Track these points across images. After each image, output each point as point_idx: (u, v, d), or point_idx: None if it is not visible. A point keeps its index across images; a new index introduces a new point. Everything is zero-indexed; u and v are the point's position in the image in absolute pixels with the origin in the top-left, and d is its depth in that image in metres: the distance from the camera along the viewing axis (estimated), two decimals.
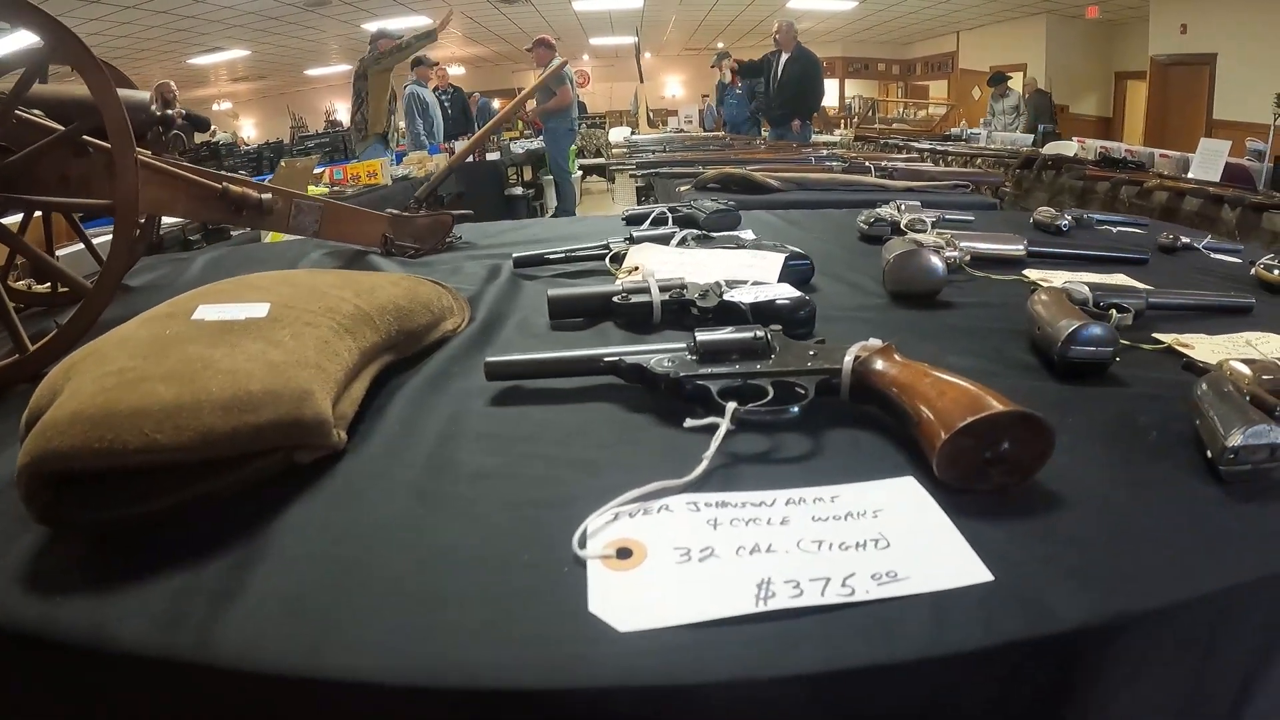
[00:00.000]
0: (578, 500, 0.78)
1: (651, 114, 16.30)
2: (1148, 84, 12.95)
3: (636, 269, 1.46)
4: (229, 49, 15.00)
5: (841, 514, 0.76)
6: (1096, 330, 1.06)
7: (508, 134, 13.82)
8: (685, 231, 1.63)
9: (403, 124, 8.38)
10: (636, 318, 1.28)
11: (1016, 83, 15.09)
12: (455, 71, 19.86)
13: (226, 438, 0.77)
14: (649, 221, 2.02)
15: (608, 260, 1.58)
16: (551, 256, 1.65)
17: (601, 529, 0.74)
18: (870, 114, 16.42)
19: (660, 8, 15.43)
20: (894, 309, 1.40)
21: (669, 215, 2.04)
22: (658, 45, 20.42)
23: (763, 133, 10.55)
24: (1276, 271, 1.62)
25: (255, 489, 0.82)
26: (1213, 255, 1.98)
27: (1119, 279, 1.60)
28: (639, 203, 4.73)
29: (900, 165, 3.48)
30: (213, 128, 9.61)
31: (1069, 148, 7.79)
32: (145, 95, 1.54)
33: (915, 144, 8.30)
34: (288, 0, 11.89)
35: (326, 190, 4.92)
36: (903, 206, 2.04)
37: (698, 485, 0.80)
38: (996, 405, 0.79)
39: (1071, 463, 0.85)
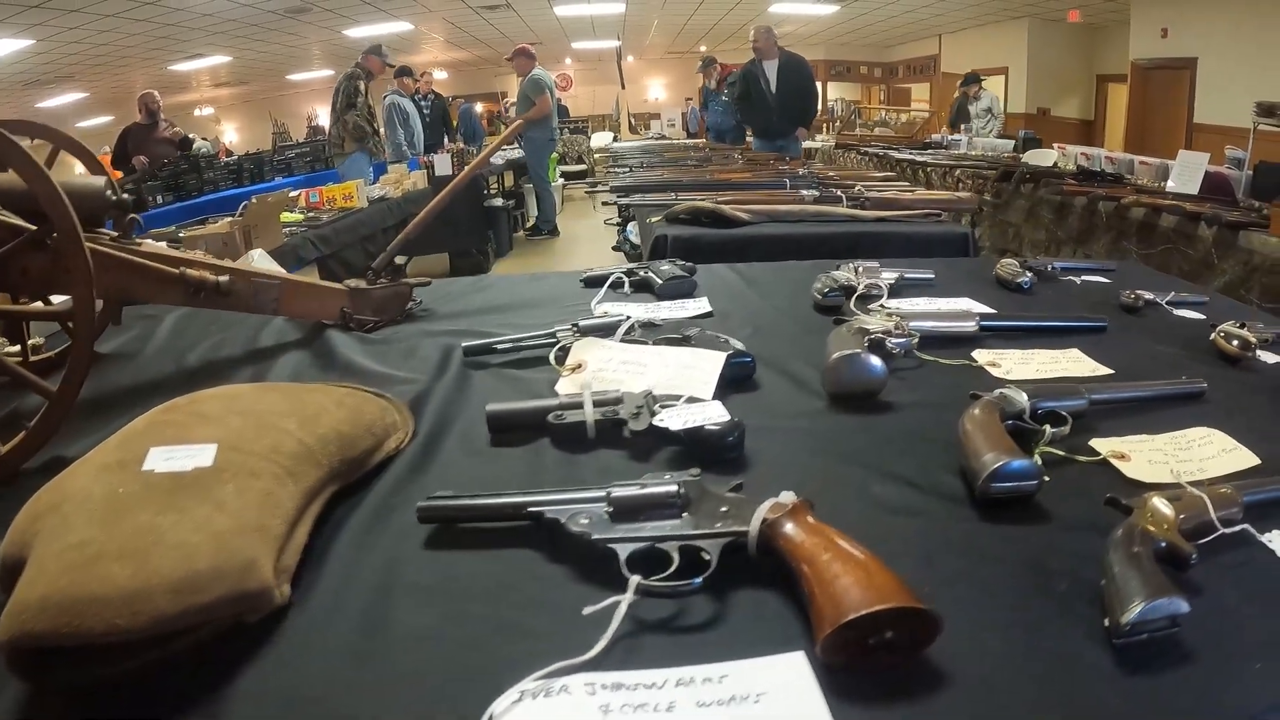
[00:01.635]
0: (494, 669, 0.79)
1: (633, 119, 16.30)
2: (1129, 88, 13.01)
3: (580, 366, 1.46)
4: (210, 55, 14.98)
5: (726, 697, 0.76)
6: (1018, 466, 1.04)
7: (490, 139, 13.83)
8: (633, 319, 1.60)
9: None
10: (572, 435, 1.28)
11: (997, 85, 15.35)
12: (438, 76, 19.89)
13: (177, 617, 0.83)
14: (606, 285, 2.01)
15: (552, 357, 1.55)
16: (500, 346, 1.63)
17: (507, 710, 0.74)
18: (853, 118, 16.43)
19: (643, 12, 15.44)
20: (832, 413, 1.38)
21: (625, 280, 2.03)
22: (640, 49, 20.46)
23: (747, 139, 10.58)
24: (1235, 343, 1.61)
25: (211, 646, 0.86)
26: (1175, 313, 1.97)
27: (1072, 356, 1.59)
28: (619, 214, 4.75)
29: (872, 195, 3.45)
30: (193, 138, 9.59)
31: (1048, 156, 7.78)
32: (100, 181, 1.51)
33: (895, 153, 8.27)
34: (268, 8, 11.84)
35: (302, 216, 4.84)
36: (860, 269, 2.01)
37: (599, 659, 0.80)
38: (884, 598, 0.78)
39: (967, 628, 0.84)
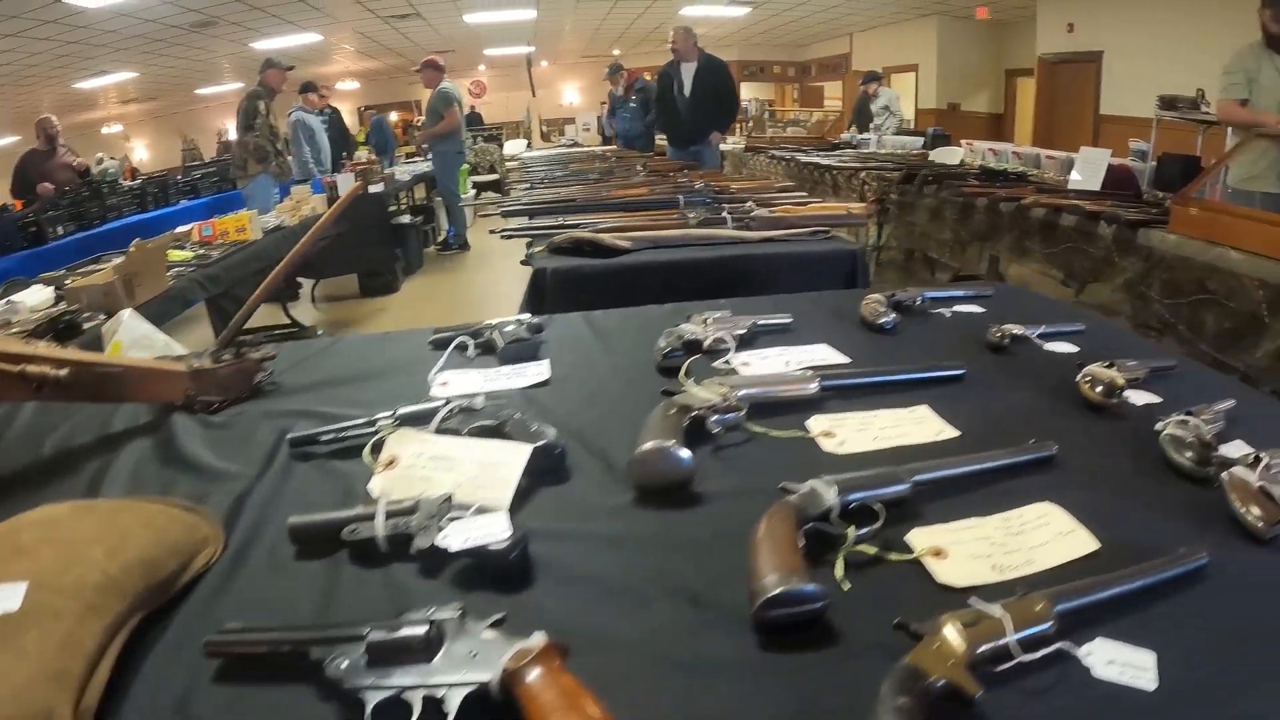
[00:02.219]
0: None
1: (546, 126, 16.20)
2: (1036, 82, 13.26)
3: (392, 462, 1.37)
4: (116, 72, 14.57)
5: None
6: (798, 592, 0.94)
7: (402, 149, 13.69)
8: (454, 403, 1.49)
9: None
10: (367, 550, 1.20)
11: (909, 82, 15.58)
12: (349, 86, 19.67)
13: None
14: (448, 351, 1.91)
15: (366, 453, 1.44)
16: (324, 439, 1.53)
17: None
18: (764, 117, 16.50)
19: (555, 17, 15.29)
20: (636, 510, 1.27)
21: (469, 342, 1.94)
22: (554, 53, 20.35)
23: (659, 141, 10.49)
24: (1099, 389, 1.53)
25: None
26: (1046, 347, 1.89)
27: (919, 415, 1.50)
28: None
29: (760, 213, 3.36)
30: (100, 157, 9.26)
31: (955, 154, 7.80)
32: None
33: (801, 155, 8.18)
34: (171, 23, 11.51)
35: (192, 255, 4.57)
36: (709, 320, 1.91)
37: None
38: None
39: None
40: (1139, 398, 1.58)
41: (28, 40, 10.92)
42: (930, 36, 15.31)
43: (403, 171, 10.26)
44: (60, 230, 6.80)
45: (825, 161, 7.56)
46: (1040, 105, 13.21)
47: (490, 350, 1.93)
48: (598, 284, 2.92)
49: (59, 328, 3.02)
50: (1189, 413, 1.38)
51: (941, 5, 14.25)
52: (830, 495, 1.11)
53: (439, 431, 1.44)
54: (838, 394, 1.60)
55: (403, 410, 1.50)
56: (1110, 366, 1.58)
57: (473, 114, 19.87)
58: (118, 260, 3.74)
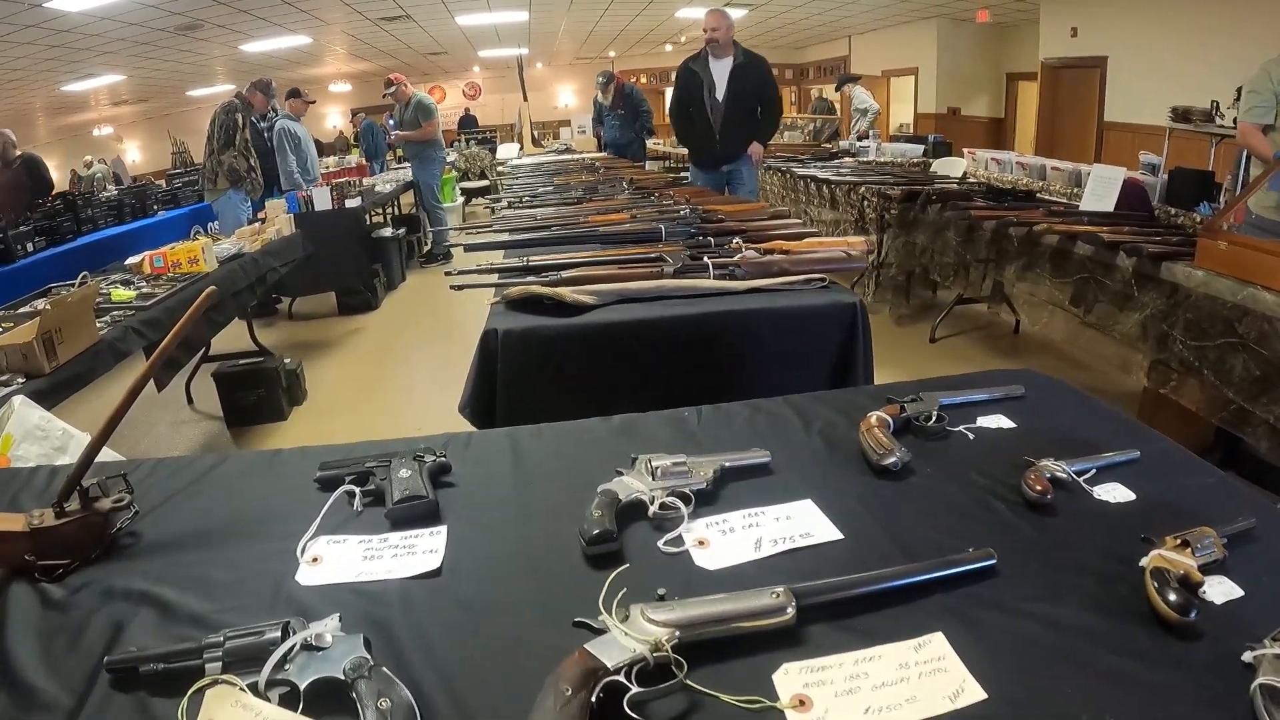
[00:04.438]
0: None
1: (538, 132, 15.91)
2: (1039, 87, 13.06)
3: None
4: (103, 74, 14.38)
5: None
6: None
7: (394, 153, 13.40)
8: (296, 639, 1.04)
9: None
10: None
11: (908, 85, 15.47)
12: (340, 89, 19.38)
13: None
14: (331, 500, 1.47)
15: (182, 712, 0.99)
16: (144, 669, 1.08)
17: None
18: None
19: (548, 19, 15.04)
20: None
21: (355, 492, 1.51)
22: (549, 55, 20.10)
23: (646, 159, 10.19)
24: (1173, 598, 1.06)
25: None
26: (1097, 495, 1.44)
27: (931, 659, 1.03)
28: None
29: (749, 254, 2.93)
30: (89, 160, 8.93)
31: (957, 165, 7.46)
32: None
33: (797, 168, 7.76)
34: (157, 26, 11.24)
35: (134, 294, 4.08)
36: (659, 470, 1.44)
37: None
38: None
39: None
40: (1218, 590, 1.15)
41: (9, 45, 10.74)
42: (930, 39, 15.17)
43: (385, 181, 9.88)
44: (30, 247, 6.38)
45: (822, 175, 7.14)
46: (1043, 111, 13.00)
47: (380, 501, 1.49)
48: (556, 348, 2.55)
49: None
50: None
51: (941, 7, 14.05)
52: None
53: (270, 685, 1.02)
54: (823, 614, 1.12)
55: (233, 641, 1.07)
56: (1183, 546, 1.16)
57: (467, 116, 19.65)
58: (44, 307, 3.36)
